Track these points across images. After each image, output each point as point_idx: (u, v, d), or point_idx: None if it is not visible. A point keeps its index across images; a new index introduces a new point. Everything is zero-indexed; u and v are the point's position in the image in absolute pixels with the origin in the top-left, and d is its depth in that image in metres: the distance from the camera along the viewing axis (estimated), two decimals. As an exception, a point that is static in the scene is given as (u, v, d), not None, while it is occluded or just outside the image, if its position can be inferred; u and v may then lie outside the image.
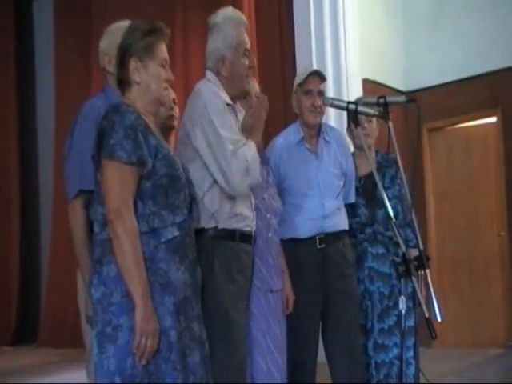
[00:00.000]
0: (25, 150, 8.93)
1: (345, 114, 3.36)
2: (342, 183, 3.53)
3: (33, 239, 8.89)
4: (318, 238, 3.42)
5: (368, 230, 3.64)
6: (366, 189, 3.63)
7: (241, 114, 2.97)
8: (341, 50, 6.05)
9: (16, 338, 8.25)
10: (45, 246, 8.63)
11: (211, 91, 2.81)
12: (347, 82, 6.03)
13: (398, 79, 7.01)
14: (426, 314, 2.43)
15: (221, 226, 2.74)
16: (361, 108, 2.82)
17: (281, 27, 6.50)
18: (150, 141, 2.36)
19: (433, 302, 2.58)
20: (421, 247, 2.75)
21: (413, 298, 3.26)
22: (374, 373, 3.53)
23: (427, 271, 2.62)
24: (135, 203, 2.31)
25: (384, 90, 6.31)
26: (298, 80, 3.56)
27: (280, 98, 6.24)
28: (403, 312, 2.65)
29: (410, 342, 3.52)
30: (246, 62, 2.90)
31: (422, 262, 2.56)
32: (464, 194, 6.93)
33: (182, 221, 2.38)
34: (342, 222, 3.49)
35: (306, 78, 3.50)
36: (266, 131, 6.06)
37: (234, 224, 2.78)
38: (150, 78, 2.47)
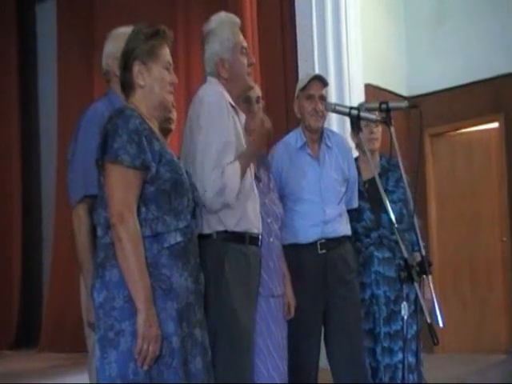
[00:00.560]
0: (27, 154, 8.94)
1: (347, 118, 3.35)
2: (343, 189, 3.52)
3: (35, 243, 8.89)
4: (319, 243, 3.41)
5: (374, 235, 3.64)
6: (371, 193, 3.63)
7: (242, 118, 2.98)
8: (343, 56, 6.06)
9: (17, 341, 8.24)
10: (47, 250, 8.62)
11: (216, 91, 2.83)
12: (349, 87, 6.03)
13: (401, 84, 7.01)
14: (428, 320, 2.42)
15: (231, 229, 2.74)
16: (363, 113, 2.81)
17: (283, 32, 6.50)
18: (154, 145, 2.36)
19: (434, 307, 2.57)
20: (423, 252, 2.75)
21: (415, 303, 3.26)
22: (383, 377, 3.53)
23: (429, 277, 2.62)
24: (138, 208, 2.31)
25: (386, 95, 6.31)
26: (300, 85, 3.57)
27: (282, 103, 6.25)
28: (405, 318, 2.64)
29: (415, 347, 3.52)
30: (245, 60, 2.94)
31: (424, 267, 2.56)
32: (466, 199, 6.92)
33: (185, 226, 2.38)
34: (343, 228, 3.48)
35: (308, 82, 3.50)
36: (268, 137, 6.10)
37: (244, 226, 2.79)
38: (154, 82, 2.48)
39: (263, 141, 2.98)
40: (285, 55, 6.46)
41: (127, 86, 2.50)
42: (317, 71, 5.89)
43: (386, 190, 3.61)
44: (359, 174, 3.68)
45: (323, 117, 3.52)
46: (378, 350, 3.54)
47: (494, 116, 6.74)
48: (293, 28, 6.34)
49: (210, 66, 2.93)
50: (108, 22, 7.22)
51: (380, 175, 3.66)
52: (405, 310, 2.63)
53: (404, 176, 2.94)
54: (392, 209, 3.49)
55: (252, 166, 2.97)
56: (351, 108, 2.85)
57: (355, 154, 3.81)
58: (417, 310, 3.39)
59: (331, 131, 3.77)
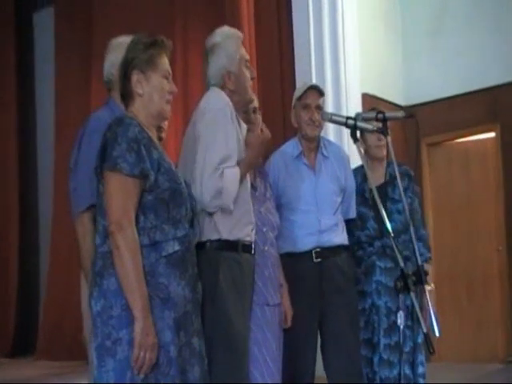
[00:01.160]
0: (24, 162, 8.95)
1: (344, 127, 3.36)
2: (339, 199, 3.51)
3: (32, 251, 8.89)
4: (314, 251, 3.41)
5: (377, 244, 3.61)
6: (375, 201, 3.61)
7: (243, 128, 3.00)
8: (340, 65, 6.07)
9: (14, 349, 8.23)
10: (44, 257, 8.62)
11: (222, 98, 2.86)
12: (346, 97, 6.05)
13: (398, 94, 7.03)
14: (425, 329, 2.43)
15: (224, 237, 2.76)
16: (360, 123, 2.83)
17: (280, 42, 6.52)
18: (153, 154, 2.37)
19: (431, 316, 2.58)
20: (419, 262, 2.76)
21: (411, 313, 3.26)
22: None
23: (426, 287, 2.63)
24: (137, 216, 2.31)
25: (383, 104, 6.32)
26: (296, 94, 3.59)
27: (279, 112, 6.27)
28: (401, 327, 2.65)
29: (419, 358, 3.50)
30: (248, 72, 3.01)
31: (420, 277, 2.57)
32: (463, 209, 6.94)
33: (183, 235, 2.39)
34: (339, 238, 3.47)
35: (304, 92, 3.52)
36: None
37: (237, 234, 2.81)
38: (153, 90, 2.49)
39: (262, 150, 2.99)
40: (282, 65, 6.48)
41: (126, 95, 2.52)
42: (314, 80, 5.90)
43: (392, 199, 3.62)
44: (365, 181, 3.65)
45: (319, 126, 3.53)
46: (376, 360, 3.51)
47: (490, 126, 6.76)
48: (290, 37, 6.36)
49: (215, 78, 2.97)
50: (106, 30, 7.26)
51: (387, 183, 3.64)
52: (401, 319, 2.63)
53: (400, 185, 2.95)
54: (396, 219, 3.52)
55: (248, 174, 2.98)
56: (348, 118, 2.87)
57: (359, 162, 3.77)
58: (414, 322, 3.38)
59: (328, 141, 3.78)
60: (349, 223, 3.62)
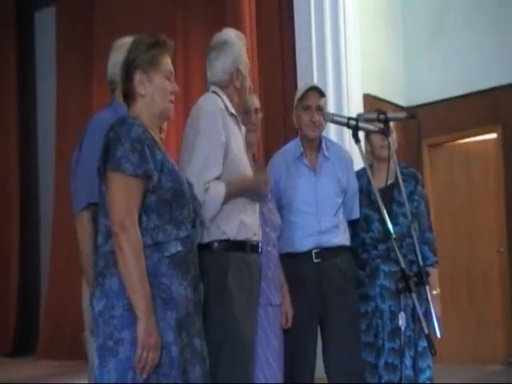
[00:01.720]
0: (25, 161, 8.94)
1: (345, 128, 3.35)
2: (340, 200, 3.50)
3: (32, 251, 8.88)
4: (314, 252, 3.41)
5: (381, 247, 3.57)
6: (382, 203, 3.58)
7: (242, 130, 3.00)
8: (342, 66, 6.07)
9: (15, 349, 8.22)
10: (44, 257, 8.61)
11: (213, 102, 2.85)
12: (348, 97, 6.04)
13: (399, 95, 7.03)
14: (426, 331, 2.43)
15: (233, 238, 2.76)
16: (361, 124, 2.83)
17: (282, 42, 6.52)
18: (156, 154, 2.37)
19: (432, 318, 2.58)
20: (420, 263, 2.76)
21: (412, 315, 3.24)
22: None
23: (432, 291, 2.62)
24: (139, 216, 2.31)
25: (385, 105, 6.33)
26: (297, 95, 3.59)
27: (281, 113, 6.26)
28: (403, 328, 2.64)
29: (425, 362, 3.49)
30: (249, 80, 3.04)
31: (422, 278, 2.57)
32: (463, 210, 6.93)
33: (185, 236, 2.39)
34: (340, 239, 3.47)
35: (305, 93, 3.52)
36: (266, 146, 6.11)
37: (244, 235, 2.80)
38: (155, 91, 2.49)
39: (255, 191, 2.92)
40: (283, 66, 6.48)
41: (129, 96, 2.52)
42: (315, 81, 5.90)
43: (398, 202, 3.59)
44: (370, 183, 3.63)
45: (320, 127, 3.51)
46: (381, 364, 3.48)
47: (491, 127, 6.75)
48: (291, 38, 6.35)
49: (220, 74, 2.97)
50: (107, 30, 7.27)
51: (394, 185, 3.60)
52: (402, 320, 2.63)
53: (402, 186, 2.94)
54: (401, 222, 3.50)
55: (251, 174, 2.99)
56: (349, 118, 2.86)
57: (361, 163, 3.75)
58: (415, 324, 3.36)
59: (330, 141, 3.76)
60: (354, 224, 3.61)
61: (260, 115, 3.42)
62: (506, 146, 6.63)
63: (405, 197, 2.91)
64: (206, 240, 2.70)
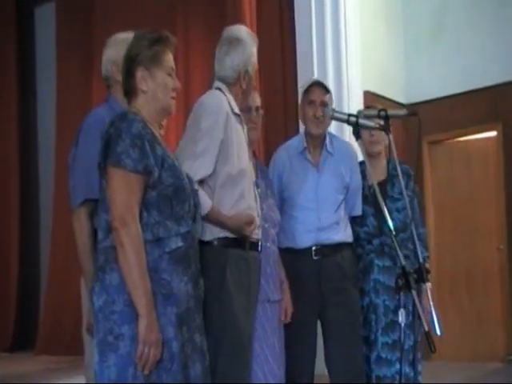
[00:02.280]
0: (25, 159, 8.94)
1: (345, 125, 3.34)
2: (342, 196, 3.50)
3: (32, 247, 8.89)
4: (313, 249, 3.41)
5: (375, 242, 3.57)
6: (376, 198, 3.59)
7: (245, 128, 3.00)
8: (342, 63, 6.07)
9: (14, 344, 8.23)
10: (44, 254, 8.62)
11: (217, 104, 2.83)
12: (348, 94, 6.04)
13: (399, 92, 7.03)
14: (426, 328, 2.43)
15: (232, 235, 2.75)
16: (362, 121, 2.82)
17: (282, 40, 6.52)
18: (157, 150, 2.37)
19: (432, 315, 2.58)
20: (420, 260, 2.76)
21: (413, 313, 3.25)
22: None
23: (428, 284, 2.62)
24: (140, 212, 2.31)
25: (385, 102, 6.32)
26: (302, 89, 3.58)
27: (281, 110, 6.27)
28: (402, 325, 2.64)
29: (417, 356, 3.49)
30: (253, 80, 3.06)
31: (422, 275, 2.57)
32: (464, 208, 6.93)
33: (186, 231, 2.38)
34: (340, 235, 3.46)
35: (309, 87, 3.51)
36: (266, 143, 6.11)
37: (246, 232, 2.79)
38: (157, 87, 2.48)
39: (239, 230, 2.82)
40: (284, 63, 6.48)
41: (130, 92, 2.51)
42: (316, 78, 5.91)
43: (391, 197, 3.59)
44: (365, 178, 3.62)
45: (324, 123, 3.50)
46: (373, 358, 3.49)
47: (492, 124, 6.76)
48: (292, 36, 6.35)
49: (229, 71, 2.96)
50: (107, 27, 7.26)
51: (386, 181, 3.61)
52: (402, 316, 2.63)
53: (402, 183, 2.94)
54: (395, 217, 3.50)
55: (252, 172, 2.98)
56: (350, 115, 2.86)
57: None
58: (415, 320, 3.36)
59: (335, 137, 3.72)
60: (349, 219, 3.61)
61: (261, 113, 3.41)
62: (507, 143, 6.64)
63: (404, 192, 2.91)
64: (205, 237, 2.69)
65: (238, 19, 6.05)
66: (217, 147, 2.76)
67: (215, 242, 2.74)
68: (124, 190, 2.29)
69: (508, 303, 6.56)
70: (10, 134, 8.85)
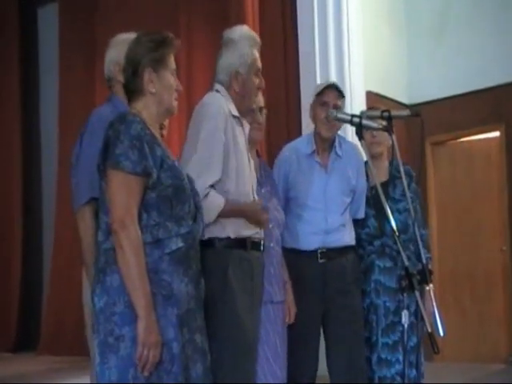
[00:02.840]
0: (28, 159, 8.95)
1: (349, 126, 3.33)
2: (348, 199, 3.50)
3: (35, 247, 8.89)
4: (319, 252, 3.41)
5: (377, 243, 3.57)
6: (377, 199, 3.57)
7: (246, 128, 2.99)
8: (344, 63, 6.06)
9: (17, 344, 8.23)
10: (47, 253, 8.62)
11: (216, 103, 2.82)
12: (351, 95, 6.03)
13: (402, 92, 7.02)
14: (429, 329, 2.43)
15: (231, 234, 2.74)
16: (365, 121, 2.82)
17: (285, 40, 6.51)
18: (156, 151, 2.36)
19: (435, 316, 2.57)
20: (424, 261, 2.76)
21: (415, 314, 3.24)
22: None
23: (430, 285, 2.62)
24: (140, 214, 2.31)
25: (387, 102, 6.31)
26: (316, 90, 3.56)
27: (283, 111, 6.26)
28: (405, 326, 2.64)
29: (414, 359, 3.48)
30: (257, 81, 2.97)
31: (425, 276, 2.56)
32: (467, 208, 6.92)
33: (186, 232, 2.38)
34: (345, 238, 3.46)
35: (323, 89, 3.49)
36: (268, 143, 6.11)
37: (245, 232, 2.79)
38: (164, 89, 2.49)
39: (251, 221, 2.87)
40: (286, 64, 6.47)
41: (134, 92, 2.51)
42: (318, 79, 5.91)
43: (392, 198, 3.59)
44: (367, 179, 3.61)
45: (335, 126, 3.48)
46: (374, 359, 3.49)
47: (494, 125, 6.74)
48: (294, 36, 6.34)
49: (224, 73, 2.95)
50: (110, 27, 7.24)
51: (388, 182, 3.61)
52: (405, 317, 2.62)
53: (405, 184, 2.94)
54: (397, 218, 3.49)
55: (255, 171, 2.98)
56: (353, 116, 2.86)
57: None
58: (417, 321, 3.35)
59: (344, 139, 3.70)
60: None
61: (265, 113, 3.40)
62: (509, 144, 6.63)
63: (407, 193, 2.91)
64: (206, 237, 2.68)
65: (241, 19, 6.05)
66: (221, 151, 2.76)
67: (216, 243, 2.73)
68: (123, 192, 2.29)
69: (510, 304, 6.55)
70: (12, 135, 8.85)
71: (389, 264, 3.54)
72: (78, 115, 7.60)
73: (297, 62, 6.28)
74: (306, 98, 6.01)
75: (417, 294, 2.50)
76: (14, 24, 8.95)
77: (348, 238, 3.48)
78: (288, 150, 3.61)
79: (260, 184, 3.14)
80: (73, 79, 8.26)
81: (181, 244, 2.35)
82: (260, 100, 3.34)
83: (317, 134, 3.54)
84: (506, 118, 6.63)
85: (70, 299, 7.26)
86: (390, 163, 3.69)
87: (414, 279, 2.49)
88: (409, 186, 3.61)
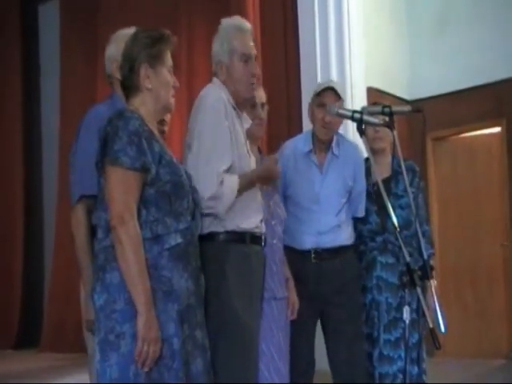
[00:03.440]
0: (30, 156, 8.96)
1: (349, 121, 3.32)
2: (344, 200, 3.48)
3: (36, 245, 8.90)
4: (313, 252, 3.41)
5: (379, 239, 3.56)
6: (379, 195, 3.55)
7: (246, 124, 2.98)
8: (346, 59, 6.06)
9: (19, 341, 8.26)
10: (48, 250, 8.64)
11: (215, 93, 2.82)
12: (352, 91, 6.03)
13: (403, 88, 7.01)
14: (430, 325, 2.43)
15: (230, 228, 2.72)
16: (366, 117, 2.81)
17: (286, 36, 6.51)
18: (154, 147, 2.36)
19: (437, 312, 2.57)
20: (425, 257, 2.75)
21: (416, 311, 3.23)
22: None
23: (432, 281, 2.62)
24: (138, 210, 2.31)
25: (388, 98, 6.31)
26: (315, 90, 3.54)
27: (284, 107, 6.26)
28: (407, 322, 2.64)
29: (415, 355, 3.48)
30: (245, 68, 2.90)
31: (426, 272, 2.56)
32: (468, 204, 6.92)
33: (185, 228, 2.38)
34: (341, 238, 3.45)
35: (322, 91, 3.47)
36: (269, 141, 6.11)
37: (243, 225, 2.77)
38: (160, 85, 2.49)
39: (266, 183, 2.96)
40: (287, 60, 6.47)
41: (131, 88, 2.50)
42: (319, 74, 5.91)
43: (395, 194, 3.58)
44: (369, 175, 3.59)
45: (331, 129, 3.46)
46: (375, 355, 3.48)
47: (496, 121, 6.74)
48: (295, 32, 6.34)
49: (213, 65, 2.95)
50: (111, 24, 7.22)
51: (390, 178, 3.59)
52: (407, 314, 2.62)
53: (407, 180, 2.93)
54: (398, 214, 3.48)
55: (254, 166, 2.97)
56: (354, 111, 2.85)
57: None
58: (419, 318, 3.35)
59: (343, 138, 3.65)
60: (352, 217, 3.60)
61: (266, 109, 3.39)
62: (510, 139, 6.63)
63: (409, 189, 2.90)
64: (205, 231, 2.67)
65: (242, 16, 6.03)
66: (228, 136, 2.74)
67: (216, 237, 2.71)
68: (122, 188, 2.29)
69: (512, 300, 6.56)
70: (14, 132, 8.86)
71: (391, 260, 3.53)
72: (79, 112, 7.54)
73: (298, 59, 6.28)
74: (307, 94, 6.00)
75: (418, 290, 2.50)
76: (15, 22, 8.96)
77: (343, 238, 3.46)
78: (287, 148, 3.60)
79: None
80: (74, 77, 8.27)
81: (180, 240, 2.35)
82: (261, 96, 3.33)
83: (314, 133, 3.53)
84: (507, 113, 6.62)
85: (72, 297, 7.25)
86: (393, 158, 3.66)
87: (416, 275, 2.49)
88: (412, 180, 3.61)
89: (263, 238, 2.87)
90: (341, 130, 3.69)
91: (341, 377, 3.40)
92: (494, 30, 6.69)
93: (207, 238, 2.66)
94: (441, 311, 2.59)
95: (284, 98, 6.32)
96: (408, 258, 2.54)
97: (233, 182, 2.70)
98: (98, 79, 7.61)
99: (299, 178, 3.47)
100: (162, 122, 3.23)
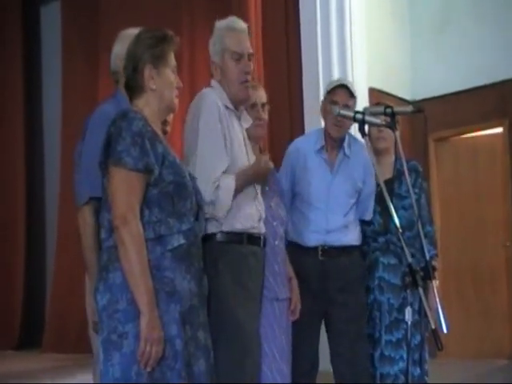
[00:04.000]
0: (31, 156, 8.95)
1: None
2: (353, 200, 3.47)
3: (38, 245, 8.90)
4: (320, 249, 3.40)
5: (381, 239, 3.55)
6: (382, 196, 3.55)
7: (246, 123, 2.98)
8: (347, 59, 6.06)
9: (21, 342, 8.25)
10: (50, 250, 8.64)
11: (209, 97, 2.83)
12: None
13: (405, 88, 7.00)
14: (432, 325, 2.42)
15: (226, 229, 2.73)
16: (368, 118, 2.81)
17: (287, 36, 6.50)
18: (157, 148, 2.37)
19: (439, 313, 2.57)
20: (427, 257, 2.75)
21: (419, 312, 3.23)
22: None
23: (434, 282, 2.61)
24: (141, 210, 2.31)
25: (390, 99, 6.30)
26: (327, 87, 3.54)
27: (286, 106, 6.25)
28: (409, 323, 2.63)
29: (417, 357, 3.47)
30: (238, 66, 2.90)
31: (428, 272, 2.56)
32: (470, 204, 6.91)
33: (188, 228, 2.38)
34: (348, 238, 3.44)
35: (334, 88, 3.47)
36: (271, 141, 6.11)
37: (241, 226, 2.78)
38: (164, 86, 2.50)
39: (260, 179, 2.96)
40: (289, 60, 6.46)
41: (135, 89, 2.51)
42: (321, 75, 5.90)
43: (398, 195, 3.57)
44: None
45: (344, 127, 3.44)
46: (377, 355, 3.48)
47: (498, 121, 6.73)
48: (297, 32, 6.33)
49: (211, 66, 2.96)
50: (113, 24, 7.24)
51: (394, 178, 3.58)
52: (409, 315, 2.62)
53: (409, 181, 2.92)
54: (401, 215, 3.47)
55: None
56: (356, 112, 2.85)
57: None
58: (421, 319, 3.34)
59: (354, 138, 3.62)
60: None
61: (267, 109, 3.39)
62: (513, 140, 6.62)
63: (411, 190, 2.89)
64: (206, 232, 2.68)
65: (243, 17, 6.02)
66: (222, 140, 2.76)
67: (212, 238, 2.72)
68: (125, 189, 2.29)
69: (514, 300, 6.55)
70: (15, 132, 8.85)
71: (393, 261, 3.53)
72: (81, 112, 7.59)
73: (299, 59, 6.27)
74: (309, 95, 6.02)
75: (420, 290, 2.49)
76: (16, 22, 8.96)
77: (351, 238, 3.45)
78: (297, 145, 3.59)
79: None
80: (75, 77, 8.26)
81: (182, 241, 2.35)
82: (262, 96, 3.32)
83: (326, 131, 3.51)
84: (510, 113, 6.62)
85: (74, 297, 7.27)
86: (396, 159, 3.66)
87: (418, 276, 2.49)
88: (415, 181, 3.60)
89: (262, 238, 2.87)
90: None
91: (342, 376, 3.40)
92: (495, 29, 6.68)
93: (204, 239, 2.66)
94: (443, 311, 2.59)
95: (286, 98, 6.31)
96: (410, 259, 2.54)
97: (229, 183, 2.73)
98: (100, 79, 7.61)
99: (309, 176, 3.46)
100: (164, 122, 3.22)
